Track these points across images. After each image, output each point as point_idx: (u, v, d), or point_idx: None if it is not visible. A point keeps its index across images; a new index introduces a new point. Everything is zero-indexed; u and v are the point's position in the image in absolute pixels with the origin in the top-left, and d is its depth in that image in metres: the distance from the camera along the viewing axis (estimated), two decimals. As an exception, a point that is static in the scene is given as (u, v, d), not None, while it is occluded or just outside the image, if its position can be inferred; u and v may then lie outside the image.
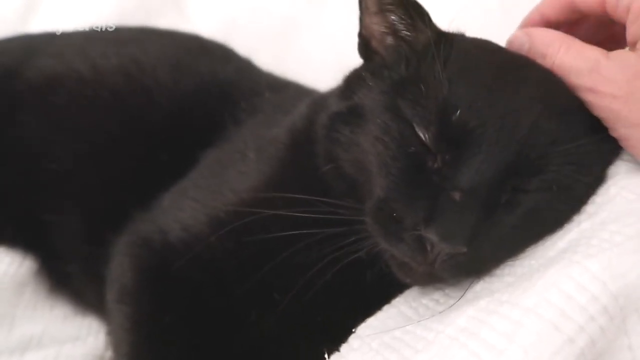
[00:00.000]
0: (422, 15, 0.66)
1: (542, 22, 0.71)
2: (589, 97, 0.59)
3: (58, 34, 0.98)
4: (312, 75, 0.98)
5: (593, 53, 0.59)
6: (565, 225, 0.58)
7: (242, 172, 0.75)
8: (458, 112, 0.57)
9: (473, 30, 0.69)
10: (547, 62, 0.62)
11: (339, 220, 0.61)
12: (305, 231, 0.61)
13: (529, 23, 0.71)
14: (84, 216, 0.85)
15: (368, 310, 0.63)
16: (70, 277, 0.86)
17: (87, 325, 0.85)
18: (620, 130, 0.58)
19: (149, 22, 1.14)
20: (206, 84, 0.91)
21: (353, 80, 0.70)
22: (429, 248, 0.55)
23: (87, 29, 0.99)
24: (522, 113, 0.57)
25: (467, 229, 0.53)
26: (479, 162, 0.56)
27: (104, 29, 0.99)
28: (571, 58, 0.60)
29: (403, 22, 0.66)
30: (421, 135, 0.59)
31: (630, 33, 0.61)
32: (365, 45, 0.70)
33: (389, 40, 0.68)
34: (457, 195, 0.54)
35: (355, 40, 0.71)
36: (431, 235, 0.53)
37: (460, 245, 0.53)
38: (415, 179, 0.58)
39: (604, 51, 0.59)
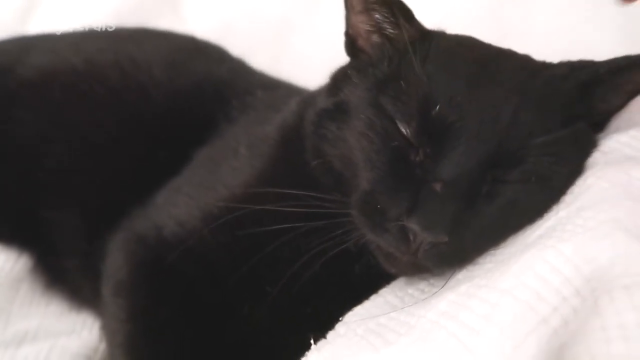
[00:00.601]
0: (406, 13, 0.67)
1: None
2: None
3: (54, 34, 0.99)
4: (307, 77, 0.98)
5: None
6: (545, 215, 0.59)
7: (235, 168, 0.77)
8: (437, 107, 0.59)
9: (460, 28, 0.70)
10: None
11: (327, 213, 0.63)
12: (294, 224, 0.63)
13: None
14: (82, 214, 0.87)
15: (356, 301, 0.64)
16: (67, 273, 0.87)
17: (82, 320, 0.87)
18: None
19: (146, 23, 1.14)
20: (201, 83, 0.92)
21: (339, 78, 0.72)
22: (411, 238, 0.56)
23: (84, 29, 1.00)
24: (501, 106, 0.59)
25: (447, 219, 0.55)
26: (459, 155, 0.57)
27: (101, 30, 1.01)
28: None
29: (387, 20, 0.68)
30: (403, 130, 0.61)
31: None
32: (351, 44, 0.72)
33: (375, 38, 0.70)
34: (438, 187, 0.56)
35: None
36: (413, 225, 0.55)
37: (441, 234, 0.55)
38: (398, 172, 0.60)
39: None
